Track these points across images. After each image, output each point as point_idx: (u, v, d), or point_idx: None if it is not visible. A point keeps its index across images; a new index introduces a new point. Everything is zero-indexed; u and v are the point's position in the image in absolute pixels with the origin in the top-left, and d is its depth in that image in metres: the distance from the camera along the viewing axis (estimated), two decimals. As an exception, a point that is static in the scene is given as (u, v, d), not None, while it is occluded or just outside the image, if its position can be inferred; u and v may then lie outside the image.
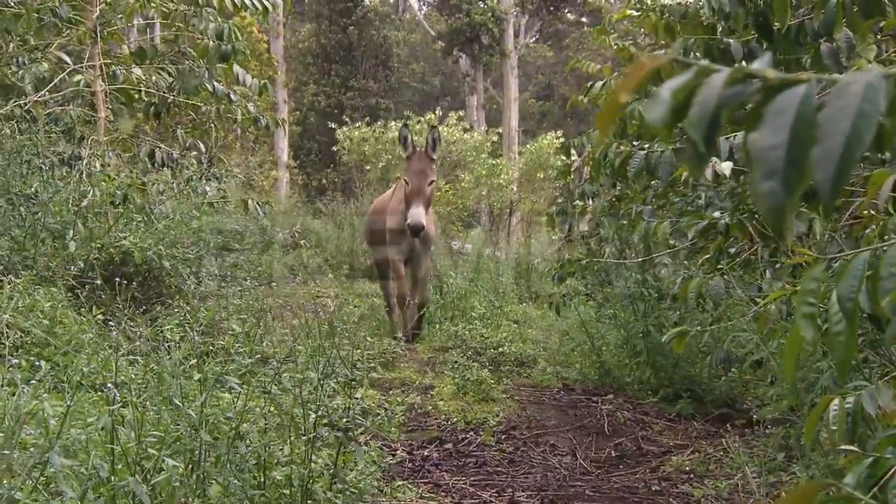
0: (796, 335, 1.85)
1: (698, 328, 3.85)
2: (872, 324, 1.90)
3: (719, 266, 3.98)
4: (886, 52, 3.95)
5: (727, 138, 3.52)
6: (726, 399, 6.04)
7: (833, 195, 0.90)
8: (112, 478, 2.83)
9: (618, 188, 6.98)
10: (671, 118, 0.95)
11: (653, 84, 1.04)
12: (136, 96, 8.28)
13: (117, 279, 4.45)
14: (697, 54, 4.80)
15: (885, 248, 1.72)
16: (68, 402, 2.80)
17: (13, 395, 2.93)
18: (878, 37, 3.94)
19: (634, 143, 4.86)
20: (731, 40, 4.27)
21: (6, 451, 2.56)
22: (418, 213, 8.23)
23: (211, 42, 7.86)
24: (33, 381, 3.08)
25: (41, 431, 2.71)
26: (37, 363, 3.03)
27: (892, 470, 1.82)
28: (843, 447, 2.19)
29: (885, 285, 1.64)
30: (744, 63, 3.96)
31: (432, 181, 8.61)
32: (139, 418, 2.99)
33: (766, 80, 0.94)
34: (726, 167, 3.24)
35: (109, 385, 2.95)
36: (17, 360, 3.07)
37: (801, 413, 3.78)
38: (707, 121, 0.94)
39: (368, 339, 6.03)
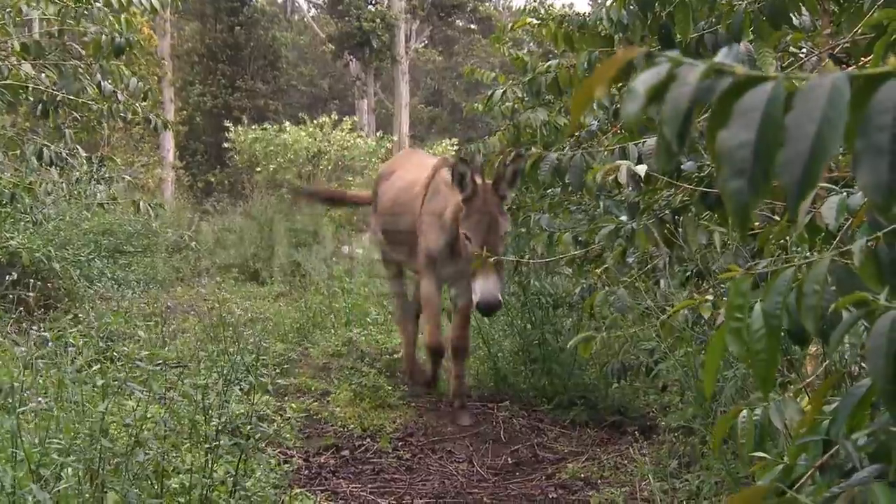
0: (717, 347, 1.89)
1: (603, 334, 3.90)
2: (792, 339, 1.95)
3: (623, 279, 4.03)
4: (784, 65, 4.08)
5: (636, 144, 3.59)
6: (619, 406, 6.12)
7: (799, 198, 0.92)
8: (14, 487, 2.73)
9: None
10: (644, 113, 0.97)
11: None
12: (24, 93, 7.99)
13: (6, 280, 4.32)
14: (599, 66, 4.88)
15: (807, 263, 1.77)
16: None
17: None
18: (777, 53, 4.06)
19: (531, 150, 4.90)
20: (633, 52, 4.33)
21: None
22: (492, 289, 5.40)
23: (104, 36, 7.62)
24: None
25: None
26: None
27: (805, 476, 1.88)
28: (754, 454, 2.26)
29: (807, 301, 1.69)
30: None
31: (506, 233, 5.84)
32: (41, 424, 2.90)
33: (735, 75, 0.95)
34: (641, 170, 3.30)
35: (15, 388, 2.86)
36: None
37: (706, 422, 3.87)
38: (681, 117, 0.96)
39: (264, 343, 5.95)
